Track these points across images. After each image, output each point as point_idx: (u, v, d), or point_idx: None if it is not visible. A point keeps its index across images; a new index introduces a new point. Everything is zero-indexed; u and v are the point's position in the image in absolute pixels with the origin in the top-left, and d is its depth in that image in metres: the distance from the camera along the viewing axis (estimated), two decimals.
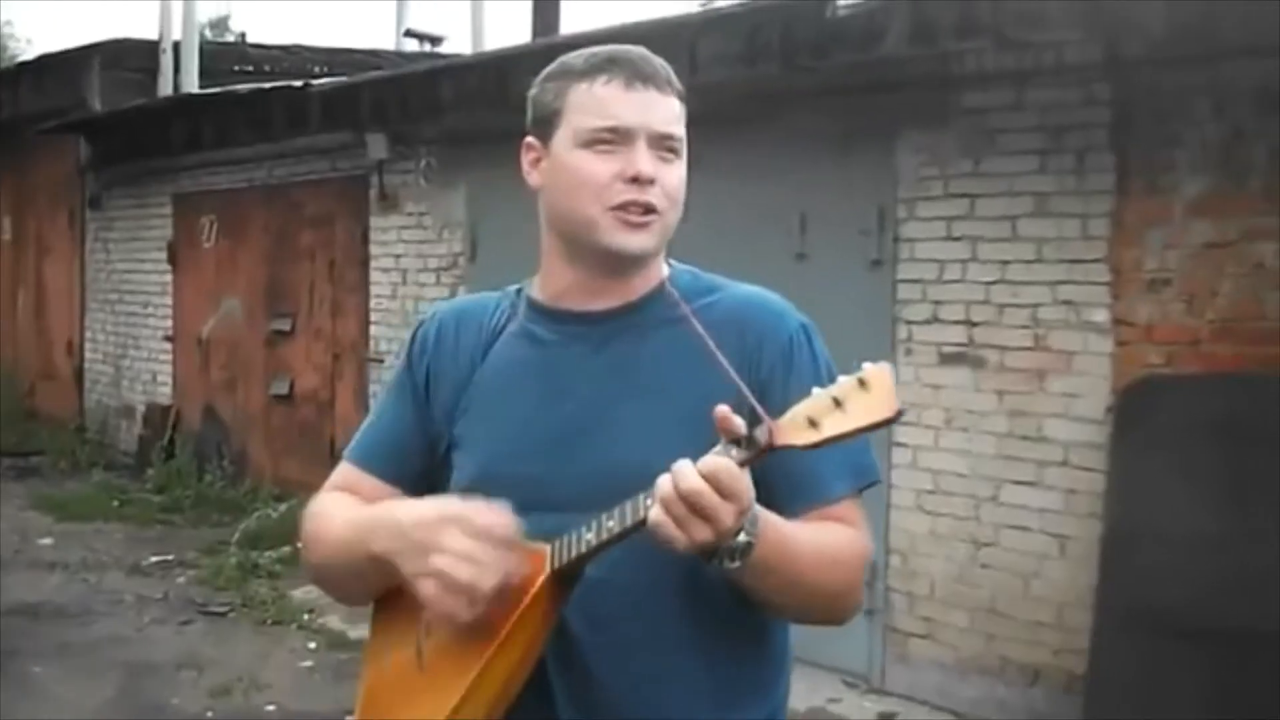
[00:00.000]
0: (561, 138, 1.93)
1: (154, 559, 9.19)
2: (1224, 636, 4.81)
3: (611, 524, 1.69)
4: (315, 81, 10.00)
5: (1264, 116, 5.23)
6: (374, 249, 9.82)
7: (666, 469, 1.66)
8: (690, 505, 1.59)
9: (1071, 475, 5.72)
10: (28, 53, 22.86)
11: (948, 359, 6.14)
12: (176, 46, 13.05)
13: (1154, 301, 5.53)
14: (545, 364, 1.98)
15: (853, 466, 1.91)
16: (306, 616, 7.79)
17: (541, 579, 1.74)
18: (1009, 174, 5.93)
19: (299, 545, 2.11)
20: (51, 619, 7.74)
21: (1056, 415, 5.79)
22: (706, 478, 1.59)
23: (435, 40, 17.02)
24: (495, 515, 1.74)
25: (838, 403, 1.57)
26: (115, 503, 10.97)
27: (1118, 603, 5.18)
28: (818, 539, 1.82)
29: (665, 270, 2.02)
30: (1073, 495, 5.71)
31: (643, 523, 1.65)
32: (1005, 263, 5.95)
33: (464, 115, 8.76)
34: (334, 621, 7.67)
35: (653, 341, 1.94)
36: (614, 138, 1.90)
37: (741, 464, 1.61)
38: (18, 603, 8.00)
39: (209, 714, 6.22)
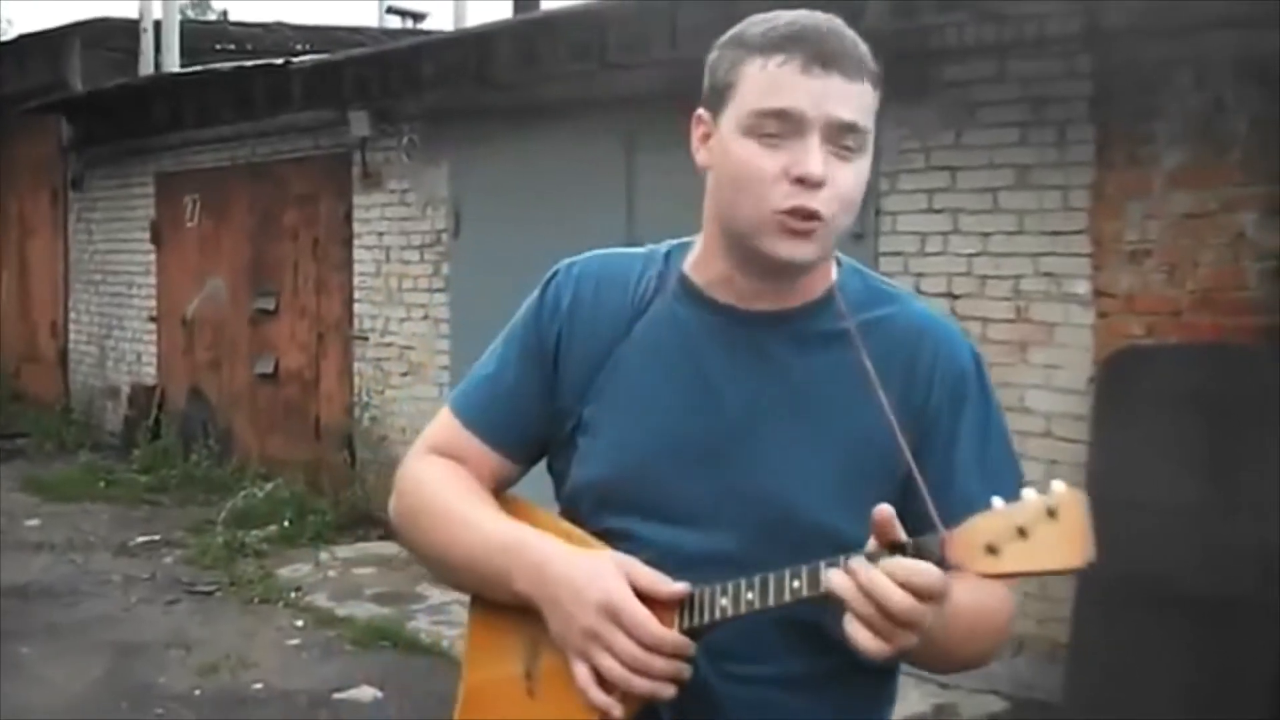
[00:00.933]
0: (730, 117, 1.69)
1: (141, 539, 9.20)
2: (1204, 605, 4.85)
3: (751, 597, 1.56)
4: (297, 59, 9.96)
5: (1243, 87, 5.25)
6: (357, 226, 9.80)
7: (811, 508, 1.62)
8: (896, 621, 1.44)
9: (1053, 446, 5.74)
10: (9, 33, 22.77)
11: None
12: (157, 25, 13.01)
13: (1135, 272, 5.55)
14: (694, 359, 1.76)
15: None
16: (293, 595, 7.81)
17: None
18: (990, 146, 5.94)
19: (390, 507, 1.91)
20: (39, 600, 7.75)
21: (1038, 386, 5.81)
22: (913, 589, 1.43)
23: (418, 17, 17.01)
24: (663, 628, 1.60)
25: (1022, 532, 1.40)
26: (101, 483, 10.97)
27: (1099, 573, 5.18)
28: (977, 603, 1.64)
29: (834, 272, 1.80)
30: (1055, 466, 5.72)
31: (784, 602, 1.54)
32: (987, 235, 5.97)
33: (446, 91, 8.75)
34: (321, 600, 7.70)
35: (812, 356, 1.74)
36: (783, 128, 1.65)
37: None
38: (5, 584, 7.99)
39: (196, 692, 6.23)
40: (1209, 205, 5.36)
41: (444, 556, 1.84)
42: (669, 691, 1.60)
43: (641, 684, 1.59)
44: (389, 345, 9.51)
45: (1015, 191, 5.86)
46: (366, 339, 9.71)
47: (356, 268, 9.83)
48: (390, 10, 16.85)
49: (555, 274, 1.89)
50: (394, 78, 9.09)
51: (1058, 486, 1.40)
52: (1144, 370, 5.41)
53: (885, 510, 1.46)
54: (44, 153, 14.04)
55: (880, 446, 1.67)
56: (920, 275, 6.18)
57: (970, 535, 1.42)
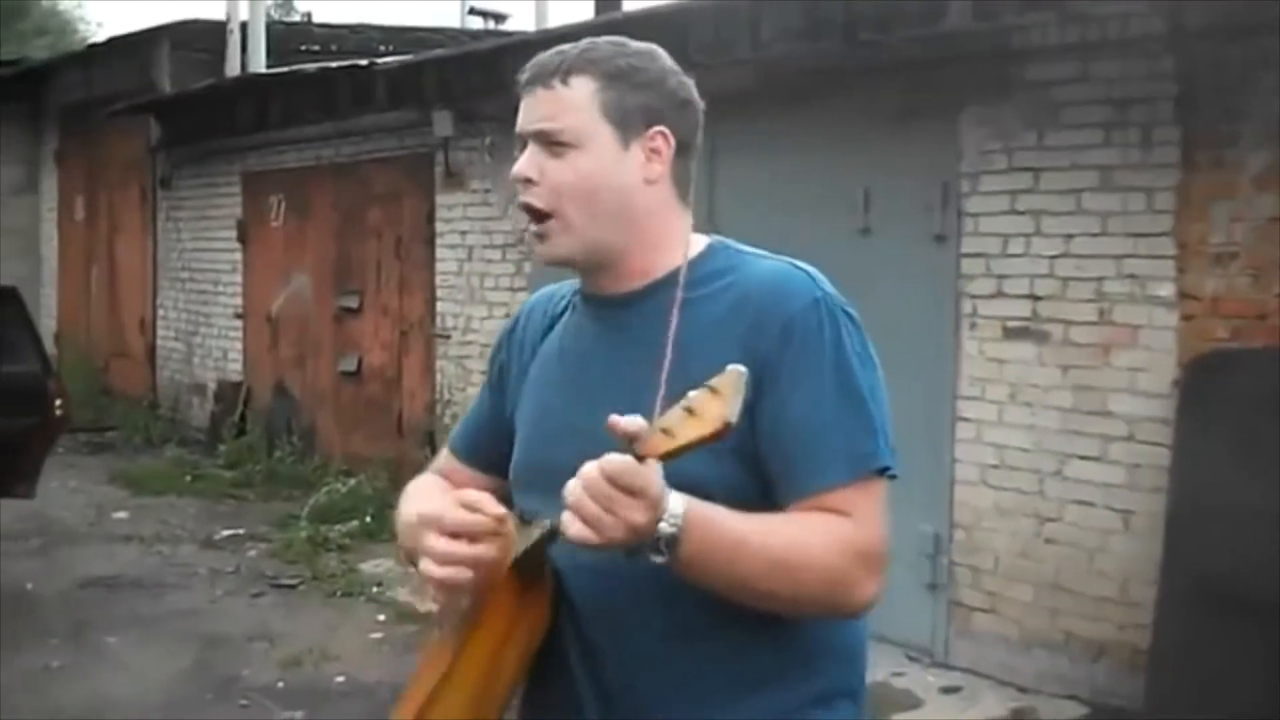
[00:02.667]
0: None
1: (226, 533, 9.35)
2: None
3: (546, 521, 1.71)
4: (381, 60, 10.07)
5: None
6: (440, 226, 9.89)
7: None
8: (599, 503, 1.59)
9: (1136, 450, 5.69)
10: (99, 35, 23.19)
11: (1012, 333, 6.12)
12: (244, 27, 13.19)
13: (1220, 275, 5.48)
14: (575, 350, 1.99)
15: (850, 455, 1.80)
16: (375, 589, 7.90)
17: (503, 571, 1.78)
18: (1073, 147, 5.89)
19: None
20: (126, 591, 7.90)
21: (1121, 390, 5.76)
22: (610, 477, 1.58)
23: (500, 17, 17.09)
24: (467, 512, 1.77)
25: (690, 412, 1.57)
26: (188, 477, 11.17)
27: (1182, 578, 5.16)
28: (779, 533, 1.74)
29: (697, 246, 1.95)
30: (1137, 470, 5.68)
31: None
32: (1069, 236, 5.92)
33: None
34: (402, 594, 7.77)
35: (664, 326, 1.88)
36: (519, 145, 1.93)
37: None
38: (93, 575, 8.17)
39: (280, 684, 6.33)
40: None
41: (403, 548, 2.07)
42: (463, 576, 1.75)
43: (439, 571, 1.76)
44: (470, 344, 9.59)
45: (1099, 193, 5.81)
46: (449, 337, 9.80)
47: (439, 266, 9.92)
48: (473, 11, 16.95)
49: (517, 312, 2.19)
50: (477, 78, 9.17)
51: (729, 367, 1.58)
52: (1228, 374, 5.35)
53: (611, 419, 1.60)
54: (133, 152, 14.29)
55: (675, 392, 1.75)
56: (1002, 277, 6.15)
57: (654, 426, 1.59)
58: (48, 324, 16.41)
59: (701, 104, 1.96)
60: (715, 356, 1.74)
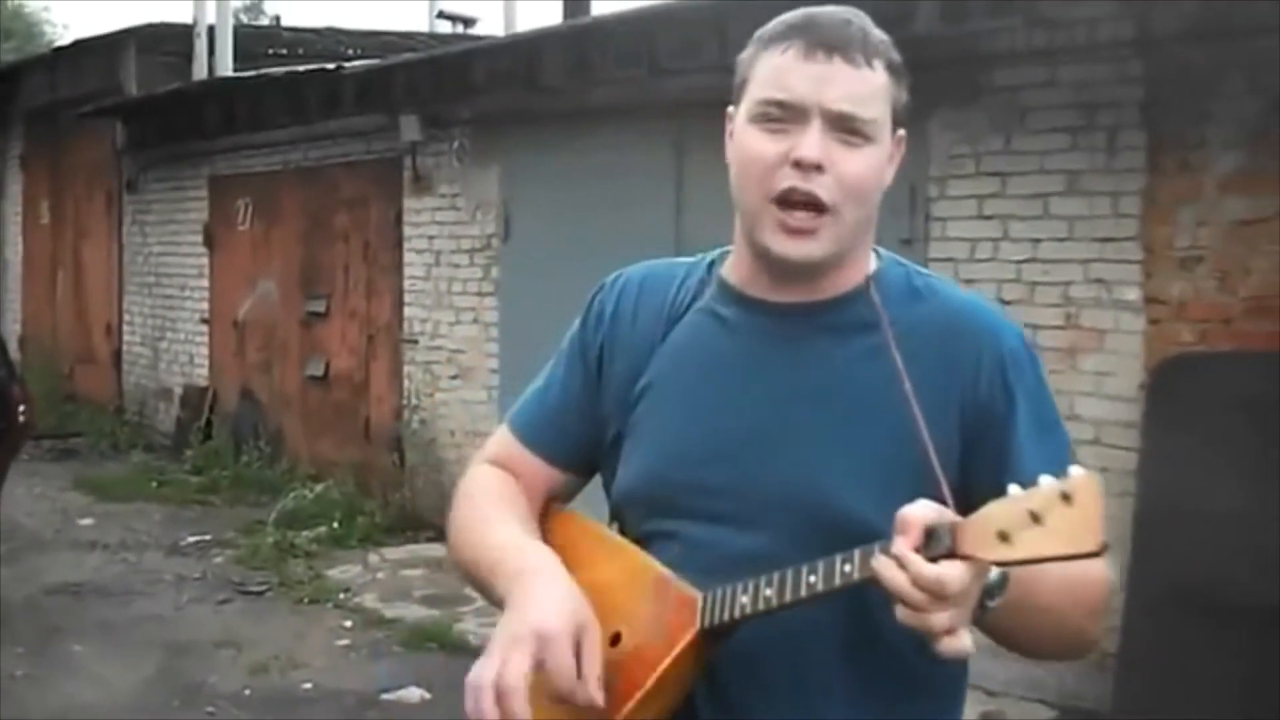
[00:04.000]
0: (743, 108, 1.71)
1: (192, 539, 9.28)
2: (1256, 615, 4.81)
3: (770, 594, 1.55)
4: (348, 64, 10.04)
5: None
6: (408, 230, 9.86)
7: (843, 501, 1.61)
8: (933, 598, 1.42)
9: (1103, 454, 5.71)
10: (65, 38, 23.06)
11: None
12: (211, 30, 13.11)
13: (1186, 279, 5.51)
14: (731, 356, 1.77)
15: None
16: (343, 596, 7.86)
17: (687, 638, 1.61)
18: (1040, 152, 5.92)
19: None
20: (92, 598, 7.84)
21: (1088, 393, 5.78)
22: (926, 588, 1.40)
23: (468, 22, 17.06)
24: (577, 681, 1.60)
25: (1035, 518, 1.37)
26: (154, 483, 11.09)
27: (1150, 581, 5.18)
28: (1060, 578, 1.55)
29: (873, 262, 1.78)
30: (1105, 474, 5.69)
31: (800, 600, 1.54)
32: (1037, 241, 5.94)
33: (496, 96, 8.81)
34: (370, 601, 7.75)
35: (849, 349, 1.72)
36: (784, 114, 1.65)
37: (934, 559, 1.42)
38: (59, 582, 8.10)
39: (247, 692, 6.28)
40: (1262, 211, 5.31)
41: (462, 558, 1.86)
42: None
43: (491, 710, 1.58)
44: (439, 349, 9.56)
45: (1066, 197, 5.84)
46: (416, 342, 9.76)
47: (407, 271, 9.89)
48: (441, 15, 16.91)
49: (600, 288, 1.93)
50: (445, 83, 9.15)
51: (1074, 471, 1.37)
52: (1195, 378, 5.38)
53: (904, 514, 1.44)
54: (99, 156, 14.20)
55: (914, 440, 1.63)
56: (970, 281, 6.15)
57: (983, 523, 1.40)
58: (12, 328, 16.32)
59: None
60: (932, 394, 1.65)
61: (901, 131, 1.74)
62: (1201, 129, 5.46)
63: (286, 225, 11.32)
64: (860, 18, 1.71)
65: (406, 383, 9.87)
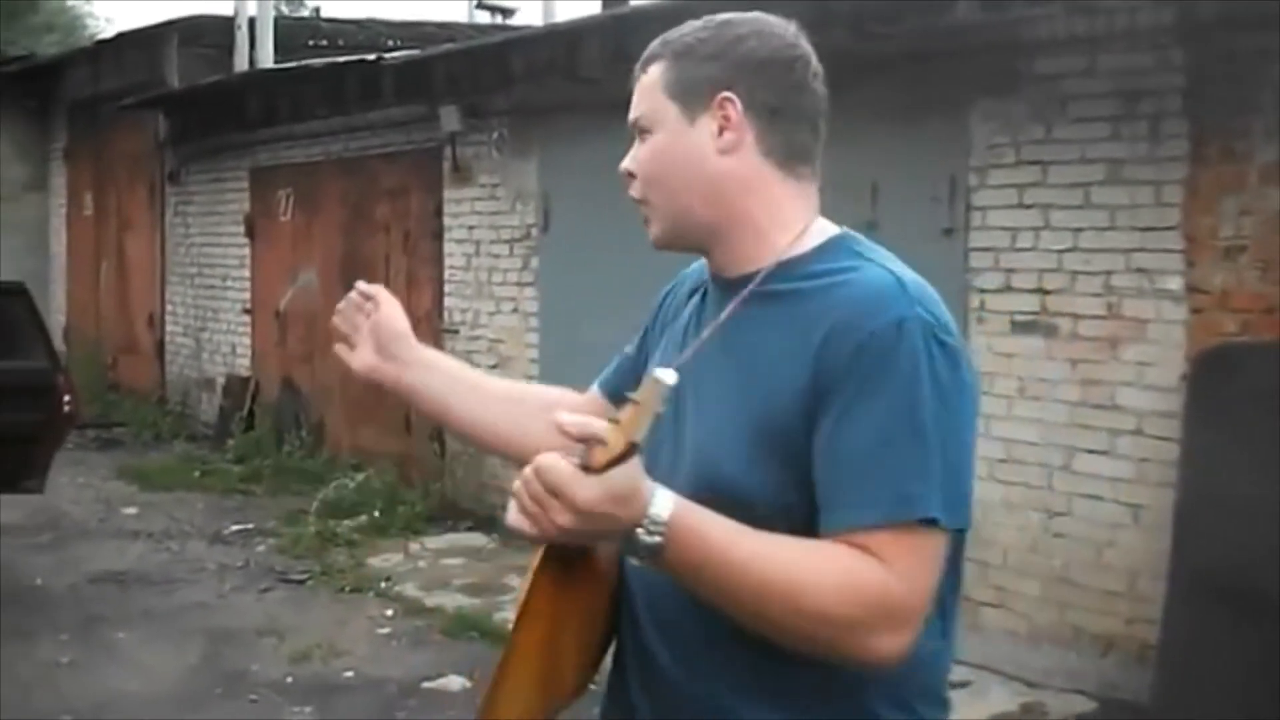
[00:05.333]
0: None
1: (234, 528, 9.36)
2: None
3: None
4: (388, 55, 10.08)
5: None
6: (448, 220, 9.89)
7: (722, 470, 1.71)
8: (531, 497, 1.57)
9: (1144, 444, 5.68)
10: (107, 31, 23.24)
11: (1020, 327, 6.11)
12: (252, 23, 13.19)
13: (1229, 269, 5.47)
14: (686, 331, 1.92)
15: (891, 495, 1.63)
16: (384, 584, 7.91)
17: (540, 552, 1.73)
18: (1081, 141, 5.88)
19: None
20: (136, 586, 7.92)
21: (1129, 384, 5.75)
22: (538, 473, 1.56)
23: (507, 12, 17.10)
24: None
25: (617, 424, 1.55)
26: (197, 473, 11.19)
27: (1190, 572, 5.16)
28: (779, 560, 1.62)
29: (817, 237, 1.83)
30: (1145, 464, 5.67)
31: None
32: (1078, 230, 5.91)
33: (535, 87, 8.82)
34: (411, 589, 7.79)
35: (750, 314, 1.79)
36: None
37: (584, 469, 1.55)
38: (103, 570, 8.19)
39: (288, 679, 6.33)
40: None
41: None
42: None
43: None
44: (479, 338, 9.59)
45: (1107, 187, 5.80)
46: (457, 332, 9.80)
47: (447, 261, 9.93)
48: (480, 6, 16.95)
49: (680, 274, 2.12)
50: (484, 73, 9.17)
51: (658, 370, 1.55)
52: (1237, 368, 5.34)
53: (560, 417, 1.57)
54: (142, 148, 14.32)
55: (784, 408, 1.70)
56: (1011, 271, 6.15)
57: (596, 432, 1.55)
58: (57, 320, 16.44)
59: (803, 59, 1.84)
60: (784, 361, 1.71)
61: (724, 94, 1.79)
62: (1245, 118, 5.41)
63: (327, 216, 11.38)
64: (682, 30, 1.86)
65: None
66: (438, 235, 10.00)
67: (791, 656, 1.68)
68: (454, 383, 2.19)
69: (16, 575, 8.03)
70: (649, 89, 1.83)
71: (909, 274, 1.75)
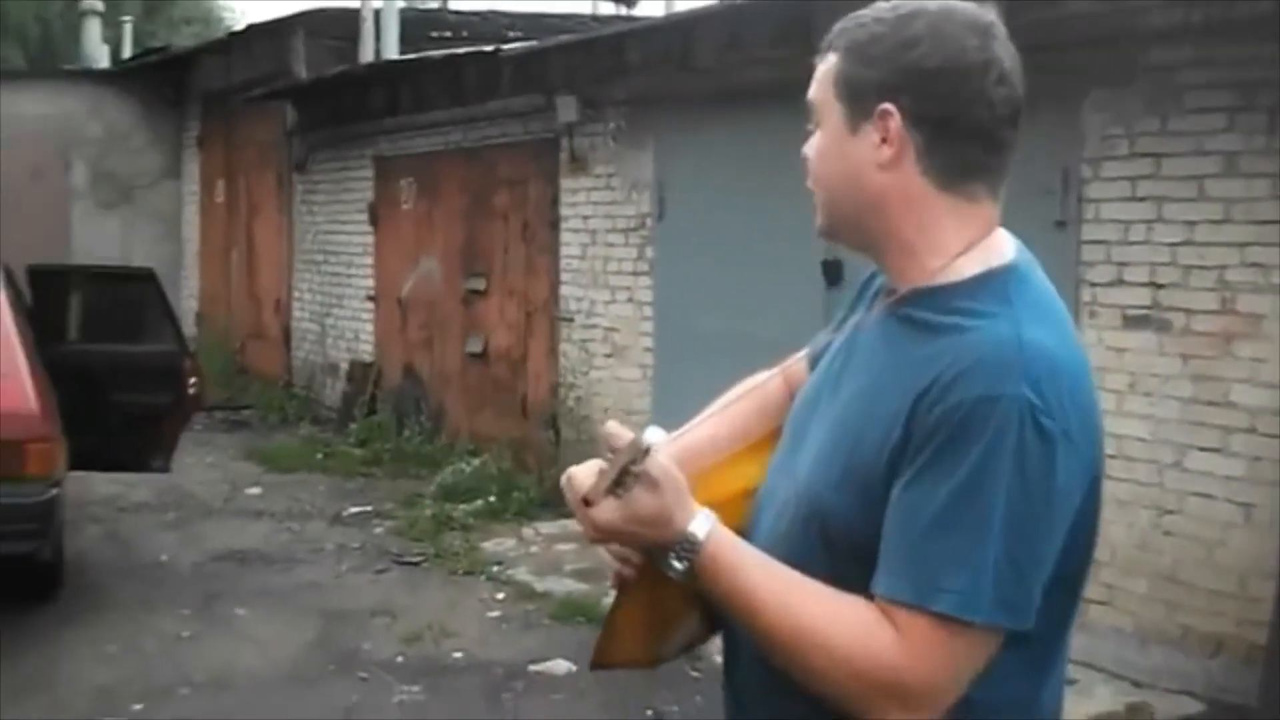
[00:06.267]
0: None
1: (354, 510, 9.57)
2: None
3: None
4: (506, 46, 10.20)
5: None
6: (564, 210, 9.99)
7: (818, 489, 1.70)
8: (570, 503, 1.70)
9: (1258, 442, 5.58)
10: (240, 23, 23.74)
11: (1132, 321, 6.03)
12: (377, 14, 13.41)
13: None
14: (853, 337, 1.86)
15: (922, 576, 1.57)
16: (496, 568, 8.03)
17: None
18: (1197, 133, 5.78)
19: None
20: (256, 564, 8.15)
21: (1243, 380, 5.64)
22: (566, 481, 1.69)
23: (631, 3, 17.17)
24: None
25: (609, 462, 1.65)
26: (319, 455, 11.46)
27: None
28: (799, 605, 1.63)
29: (979, 263, 1.70)
30: (1258, 463, 5.57)
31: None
32: (1192, 223, 5.81)
33: (651, 77, 8.87)
34: (522, 574, 7.90)
35: (884, 339, 1.74)
36: None
37: (606, 490, 1.64)
38: (225, 548, 8.43)
39: (399, 659, 6.47)
40: None
41: None
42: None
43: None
44: (594, 327, 9.68)
45: (1222, 179, 5.70)
46: (572, 320, 9.90)
47: (563, 250, 10.03)
48: None
49: None
50: (600, 64, 9.25)
51: (650, 442, 1.60)
52: None
53: (610, 425, 1.65)
54: (270, 137, 14.64)
55: (873, 447, 1.65)
56: (1123, 264, 6.07)
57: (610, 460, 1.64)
58: (190, 305, 16.91)
59: (982, 66, 1.68)
60: (888, 396, 1.64)
61: (884, 105, 1.69)
62: None
63: (448, 205, 11.55)
64: (862, 17, 1.75)
65: (562, 360, 10.02)
66: (554, 224, 10.10)
67: None
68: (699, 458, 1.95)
69: (143, 551, 8.32)
70: (823, 79, 1.75)
71: (1040, 339, 1.61)
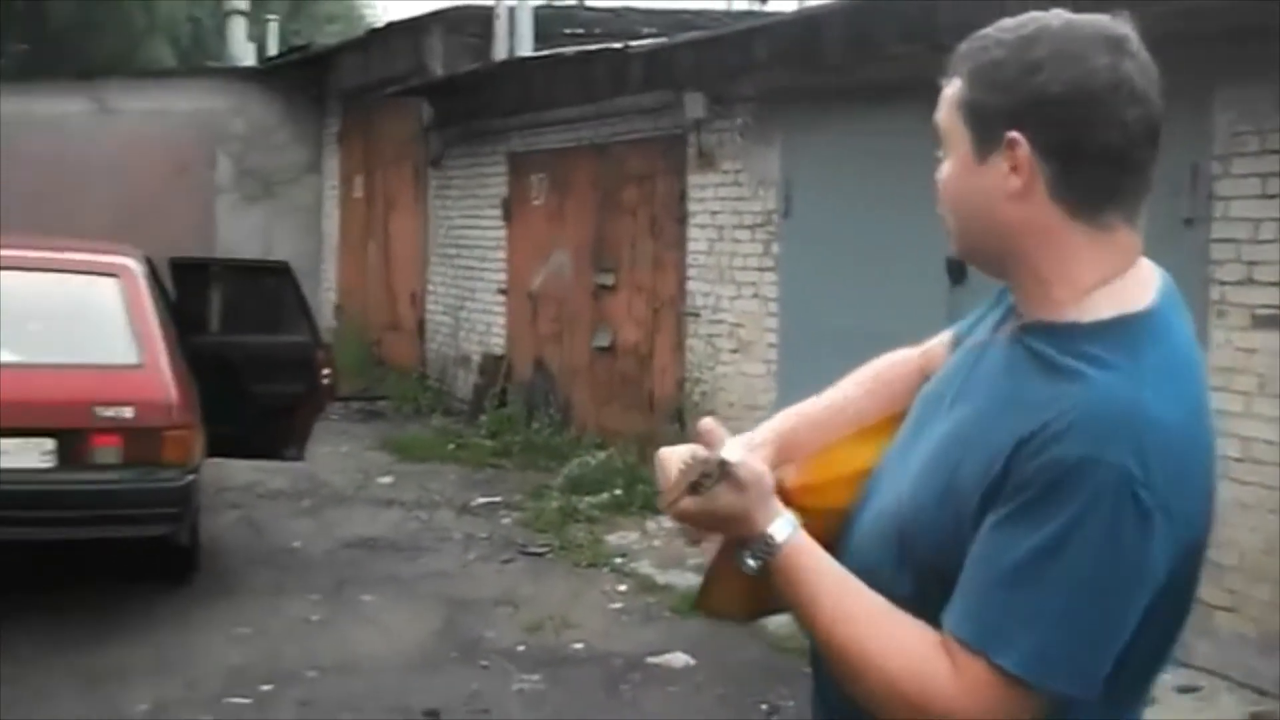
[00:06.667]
0: None
1: (482, 500, 9.73)
2: None
3: None
4: (635, 43, 10.27)
5: None
6: (692, 206, 10.04)
7: (904, 510, 1.71)
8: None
9: None
10: (380, 21, 24.17)
11: (1261, 321, 5.91)
12: (512, 12, 13.57)
13: None
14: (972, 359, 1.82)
15: (987, 623, 1.56)
16: (619, 561, 8.12)
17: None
18: None
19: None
20: (385, 552, 8.34)
21: None
22: (657, 462, 1.77)
23: None
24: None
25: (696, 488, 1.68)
26: (451, 446, 11.65)
27: None
28: (865, 621, 1.65)
29: (1103, 312, 1.63)
30: None
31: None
32: None
33: (778, 73, 8.88)
34: (645, 566, 7.97)
35: (1005, 366, 1.69)
36: None
37: (686, 489, 1.67)
38: (355, 536, 8.64)
39: (520, 648, 6.59)
40: None
41: None
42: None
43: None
44: (720, 322, 9.72)
45: None
46: (698, 315, 9.95)
47: (690, 246, 10.08)
48: None
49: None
50: (728, 60, 9.28)
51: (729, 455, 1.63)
52: None
53: (706, 421, 1.71)
54: (407, 133, 14.91)
55: (971, 478, 1.62)
56: (1253, 263, 5.94)
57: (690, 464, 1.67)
58: (329, 297, 17.29)
59: (1110, 86, 1.60)
60: (996, 429, 1.60)
61: (1012, 135, 1.63)
62: None
63: (578, 200, 11.67)
64: (984, 40, 1.69)
65: (689, 355, 10.07)
66: (681, 220, 10.16)
67: None
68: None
69: (277, 537, 8.55)
70: (949, 103, 1.69)
71: (1159, 405, 1.55)
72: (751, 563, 1.69)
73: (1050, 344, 1.62)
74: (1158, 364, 1.58)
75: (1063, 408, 1.54)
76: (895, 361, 2.04)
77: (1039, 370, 1.61)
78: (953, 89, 1.69)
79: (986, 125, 1.65)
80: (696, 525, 1.73)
